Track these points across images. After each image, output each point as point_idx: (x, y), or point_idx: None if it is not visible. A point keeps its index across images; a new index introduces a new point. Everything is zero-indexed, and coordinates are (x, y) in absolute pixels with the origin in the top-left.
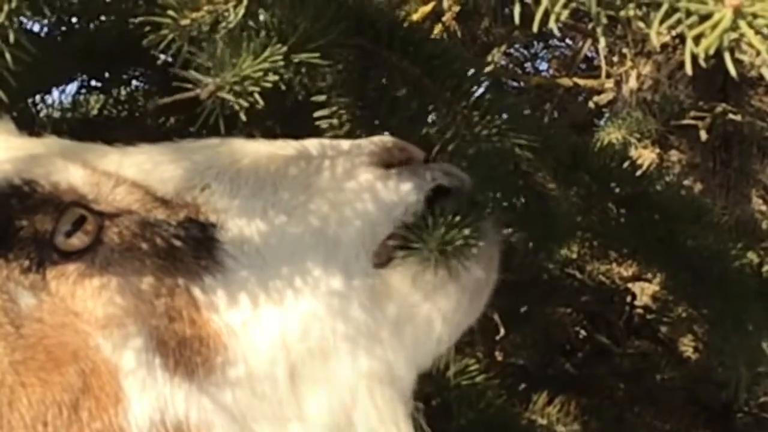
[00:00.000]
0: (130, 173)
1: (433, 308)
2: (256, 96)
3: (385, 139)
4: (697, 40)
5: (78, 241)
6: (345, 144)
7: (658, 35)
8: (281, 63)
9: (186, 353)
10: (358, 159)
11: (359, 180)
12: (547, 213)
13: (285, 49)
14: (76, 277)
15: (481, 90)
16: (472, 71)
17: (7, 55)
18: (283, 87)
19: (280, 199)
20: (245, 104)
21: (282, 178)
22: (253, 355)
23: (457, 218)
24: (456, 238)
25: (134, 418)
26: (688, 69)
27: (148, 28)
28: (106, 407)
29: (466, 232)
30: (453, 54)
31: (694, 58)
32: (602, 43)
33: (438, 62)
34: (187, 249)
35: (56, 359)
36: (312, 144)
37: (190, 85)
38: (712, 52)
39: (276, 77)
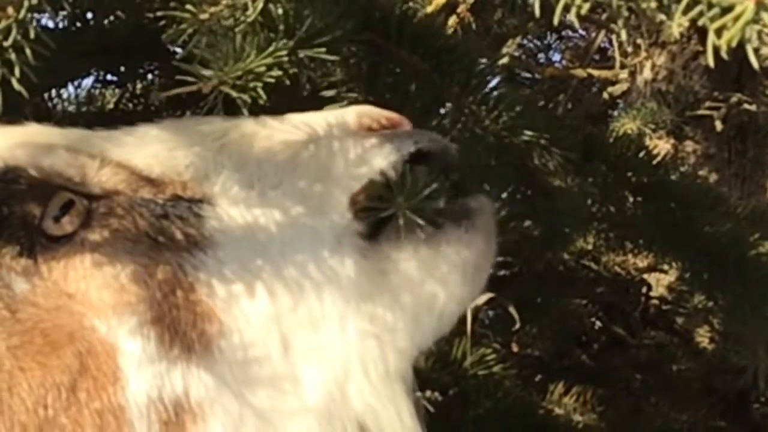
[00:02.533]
0: (114, 154)
1: (435, 282)
2: (259, 91)
3: (367, 108)
4: (719, 32)
5: (67, 225)
6: (330, 116)
7: (678, 27)
8: (285, 58)
9: (181, 329)
10: (341, 128)
11: (343, 145)
12: (554, 210)
13: (291, 44)
14: (67, 261)
15: (490, 85)
16: (481, 67)
17: (27, 51)
18: (288, 82)
19: (265, 172)
20: (248, 99)
21: (266, 152)
22: (247, 328)
23: (429, 179)
24: (422, 196)
25: (132, 396)
26: (710, 61)
27: (164, 23)
28: (104, 386)
29: (434, 186)
30: (462, 49)
31: (716, 50)
32: (623, 36)
33: (447, 57)
34: (175, 226)
35: (53, 342)
36: (297, 119)
37: (192, 79)
38: (734, 44)
39: (280, 72)
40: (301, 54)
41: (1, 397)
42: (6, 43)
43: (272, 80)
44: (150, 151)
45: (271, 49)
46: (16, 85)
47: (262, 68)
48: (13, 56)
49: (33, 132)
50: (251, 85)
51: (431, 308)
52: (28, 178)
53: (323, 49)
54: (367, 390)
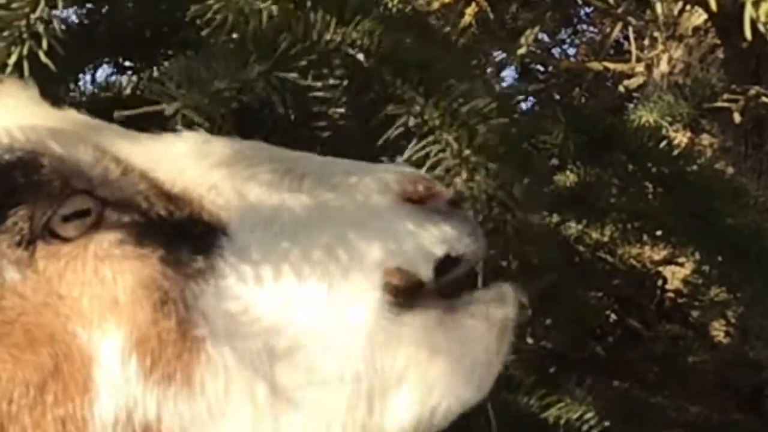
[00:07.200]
0: (139, 162)
1: (465, 351)
2: (225, 115)
3: (408, 171)
4: (756, 4)
5: (75, 227)
6: (373, 184)
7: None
8: (256, 81)
9: (166, 356)
10: (380, 182)
11: (381, 204)
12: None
13: (265, 67)
14: (67, 261)
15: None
16: (459, 90)
17: (55, 24)
18: (257, 105)
19: (292, 233)
20: (206, 124)
21: (299, 210)
22: (234, 368)
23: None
24: None
25: (99, 411)
26: (747, 33)
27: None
28: (72, 395)
29: None
30: (444, 72)
31: (753, 25)
32: (658, 9)
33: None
34: (184, 249)
35: (32, 338)
36: (341, 178)
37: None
38: None
39: (248, 96)
40: (275, 78)
41: None
42: (33, 16)
43: (236, 105)
44: (175, 166)
45: (240, 73)
46: (43, 58)
47: (233, 92)
48: (41, 28)
49: (66, 120)
50: (214, 109)
51: (464, 371)
52: (48, 168)
53: (295, 75)
54: None
